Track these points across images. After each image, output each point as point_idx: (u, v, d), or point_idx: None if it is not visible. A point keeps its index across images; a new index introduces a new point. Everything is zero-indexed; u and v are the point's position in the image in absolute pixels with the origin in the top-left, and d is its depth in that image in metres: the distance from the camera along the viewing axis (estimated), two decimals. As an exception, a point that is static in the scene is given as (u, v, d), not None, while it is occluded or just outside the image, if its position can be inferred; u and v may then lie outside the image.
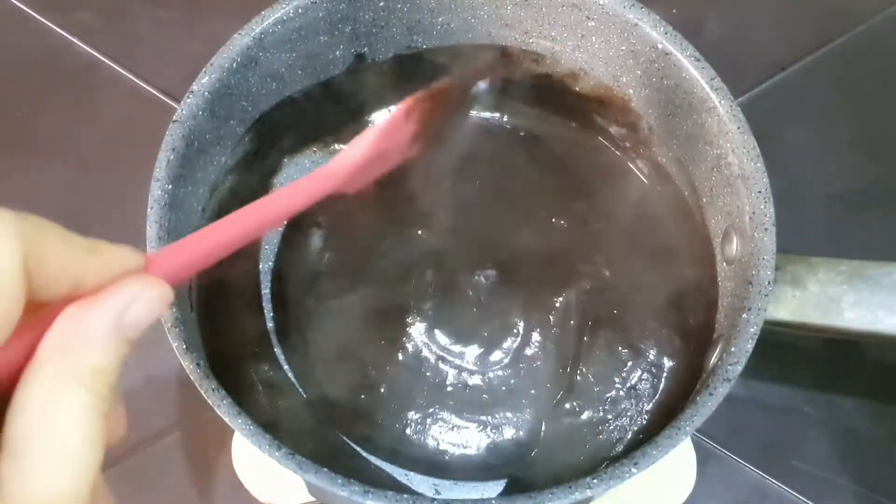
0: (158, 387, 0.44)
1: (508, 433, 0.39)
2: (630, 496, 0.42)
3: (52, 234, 0.19)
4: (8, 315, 0.17)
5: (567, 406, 0.39)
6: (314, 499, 0.40)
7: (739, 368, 0.31)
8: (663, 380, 0.40)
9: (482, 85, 0.41)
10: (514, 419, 0.39)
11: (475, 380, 0.40)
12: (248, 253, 0.42)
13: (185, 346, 0.32)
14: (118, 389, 0.18)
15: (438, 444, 0.39)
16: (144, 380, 0.45)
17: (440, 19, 0.42)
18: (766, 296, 0.33)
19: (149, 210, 0.34)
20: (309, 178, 0.28)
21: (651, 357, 0.40)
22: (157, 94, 0.54)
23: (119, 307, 0.19)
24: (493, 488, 0.38)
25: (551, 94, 0.45)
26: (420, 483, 0.38)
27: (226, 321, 0.40)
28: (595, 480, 0.30)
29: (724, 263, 0.38)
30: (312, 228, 0.43)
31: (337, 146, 0.45)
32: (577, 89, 0.44)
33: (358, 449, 0.38)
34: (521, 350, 0.40)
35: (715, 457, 0.43)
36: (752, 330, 0.33)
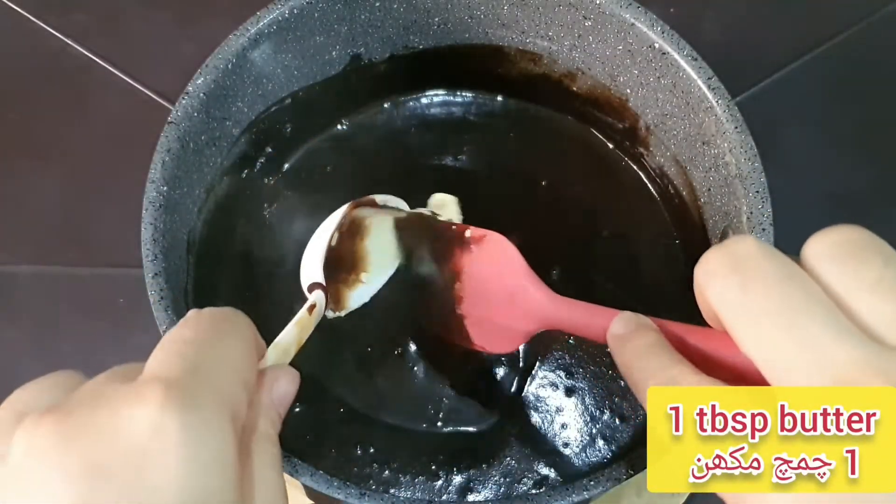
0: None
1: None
2: (628, 498, 0.42)
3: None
4: (253, 379, 0.23)
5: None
6: (311, 502, 0.40)
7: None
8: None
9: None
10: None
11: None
12: (245, 256, 0.42)
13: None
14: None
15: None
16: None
17: (436, 19, 0.42)
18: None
19: (144, 212, 0.34)
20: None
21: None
22: (152, 96, 0.54)
23: (269, 388, 0.24)
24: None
25: (549, 94, 0.45)
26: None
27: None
28: (592, 483, 0.30)
29: (723, 263, 0.38)
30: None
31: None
32: (575, 89, 0.44)
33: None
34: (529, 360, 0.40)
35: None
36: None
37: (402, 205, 0.39)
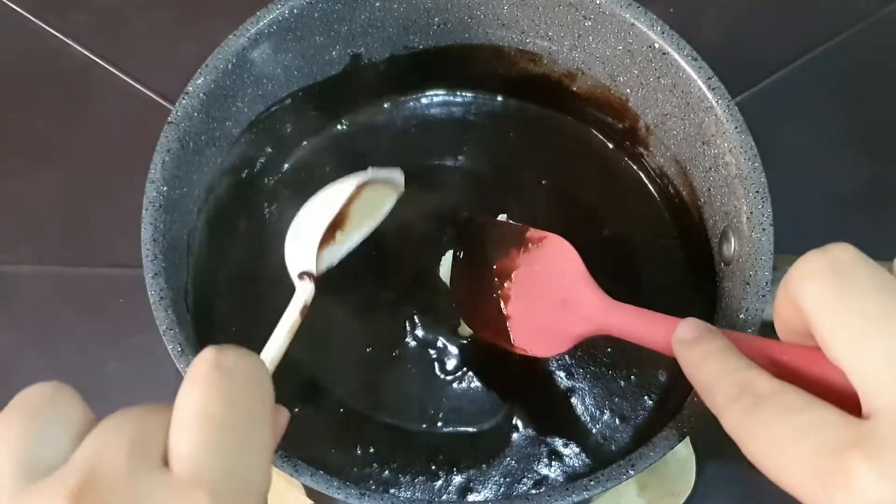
0: (155, 391, 0.44)
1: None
2: (628, 497, 0.42)
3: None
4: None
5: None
6: (311, 502, 0.40)
7: (738, 369, 0.31)
8: (661, 380, 0.39)
9: None
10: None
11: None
12: (245, 256, 0.42)
13: (180, 349, 0.31)
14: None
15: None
16: (141, 384, 0.45)
17: (436, 19, 0.42)
18: (764, 296, 0.33)
19: (144, 212, 0.34)
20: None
21: (648, 359, 0.40)
22: (152, 96, 0.54)
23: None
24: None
25: (549, 94, 0.45)
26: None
27: (222, 324, 0.40)
28: (592, 483, 0.30)
29: (723, 264, 0.38)
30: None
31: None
32: (575, 89, 0.44)
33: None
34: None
35: (715, 457, 0.43)
36: (749, 331, 0.32)
37: (400, 179, 0.39)
